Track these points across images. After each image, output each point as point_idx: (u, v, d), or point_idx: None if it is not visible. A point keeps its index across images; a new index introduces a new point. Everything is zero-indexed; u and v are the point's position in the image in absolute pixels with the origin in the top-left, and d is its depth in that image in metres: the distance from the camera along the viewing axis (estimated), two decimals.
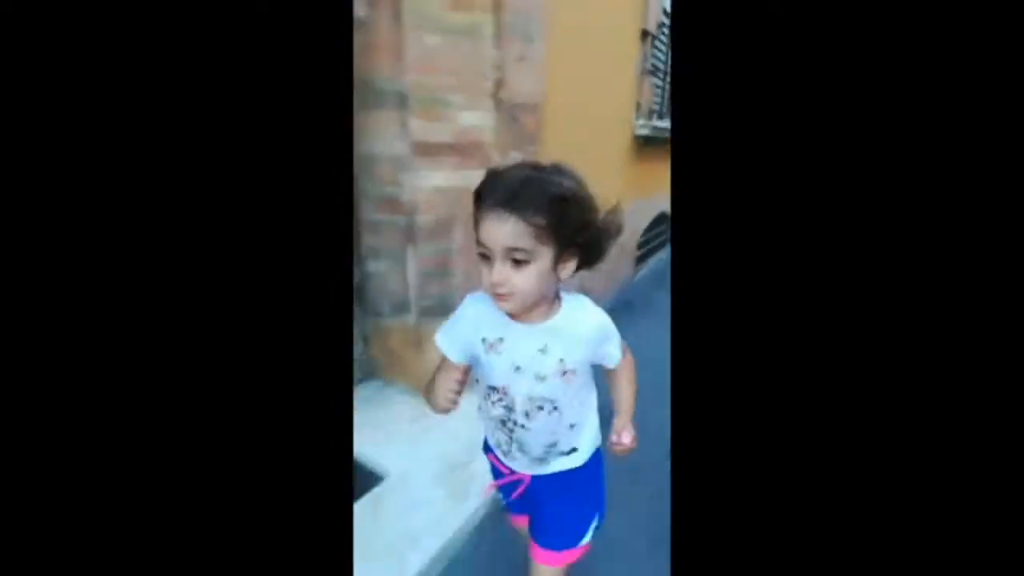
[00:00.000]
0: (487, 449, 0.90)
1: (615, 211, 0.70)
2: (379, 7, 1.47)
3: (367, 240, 1.78)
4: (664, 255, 4.15)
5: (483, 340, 0.72)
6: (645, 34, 2.84)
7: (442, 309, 1.76)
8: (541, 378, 0.71)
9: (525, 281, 0.62)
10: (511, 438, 0.78)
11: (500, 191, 0.60)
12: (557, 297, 0.72)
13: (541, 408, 0.73)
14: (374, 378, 1.99)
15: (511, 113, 1.72)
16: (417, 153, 1.59)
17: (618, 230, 0.70)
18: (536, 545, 0.86)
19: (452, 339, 0.75)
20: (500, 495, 0.94)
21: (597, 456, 0.86)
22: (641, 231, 3.56)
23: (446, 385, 0.75)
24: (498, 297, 0.65)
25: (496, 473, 0.90)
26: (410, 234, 1.69)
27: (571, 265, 0.67)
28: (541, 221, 0.59)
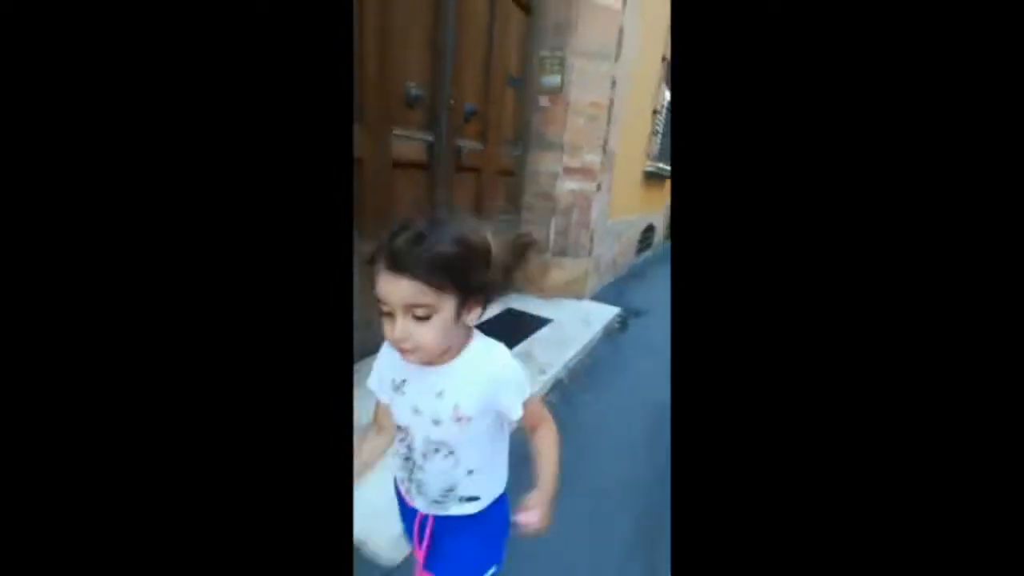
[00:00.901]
0: (396, 486, 0.86)
1: (521, 242, 0.71)
2: (556, 102, 3.19)
3: (526, 215, 3.45)
4: (650, 251, 6.06)
5: (392, 380, 0.75)
6: (655, 111, 4.71)
7: (564, 252, 3.46)
8: (436, 422, 0.71)
9: (428, 335, 0.62)
10: (411, 477, 0.78)
11: (393, 252, 0.59)
12: (469, 337, 0.71)
13: (437, 451, 0.73)
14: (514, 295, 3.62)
15: (608, 157, 3.48)
16: (563, 172, 3.30)
17: (522, 257, 0.71)
18: (426, 572, 0.83)
19: (378, 378, 0.78)
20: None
21: (501, 505, 0.82)
22: (640, 233, 5.39)
23: (377, 423, 0.81)
24: (402, 352, 0.65)
25: (404, 512, 0.87)
26: (553, 210, 3.38)
27: (476, 311, 0.66)
28: (437, 280, 0.59)
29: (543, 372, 2.28)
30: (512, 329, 2.77)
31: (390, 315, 0.63)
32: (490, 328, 2.34)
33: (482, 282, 0.65)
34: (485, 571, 0.83)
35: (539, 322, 2.95)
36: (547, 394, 2.19)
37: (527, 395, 0.72)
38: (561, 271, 3.49)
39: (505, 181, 3.19)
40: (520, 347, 2.54)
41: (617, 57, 3.13)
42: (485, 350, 0.72)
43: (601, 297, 3.78)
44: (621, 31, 3.10)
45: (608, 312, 3.38)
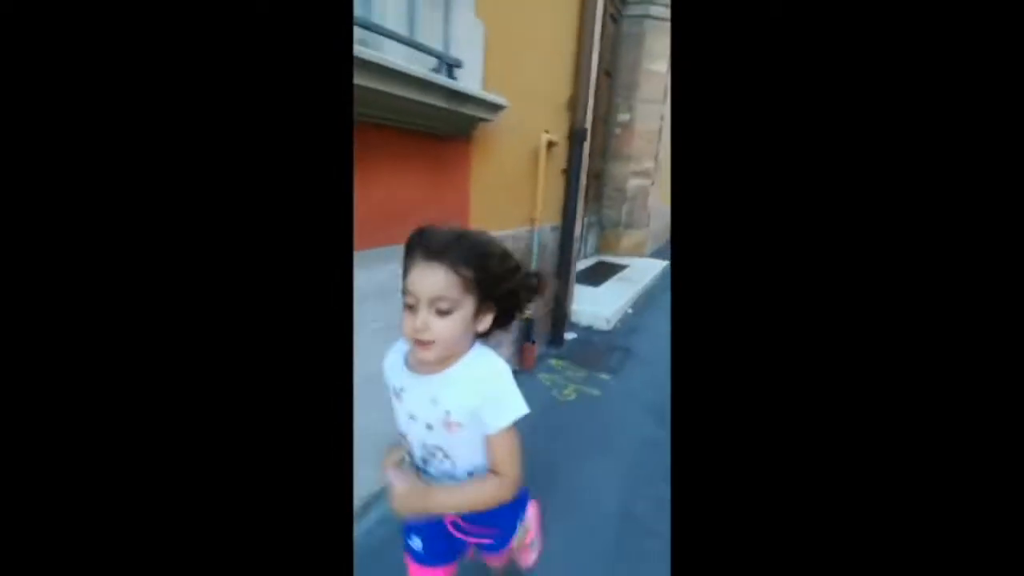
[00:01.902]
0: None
1: (535, 275, 0.75)
2: (626, 130, 5.08)
3: (607, 202, 5.37)
4: None
5: (392, 388, 0.77)
6: None
7: (631, 225, 5.38)
8: (429, 427, 0.73)
9: (447, 329, 0.65)
10: (419, 479, 0.79)
11: (433, 243, 0.64)
12: (471, 346, 0.73)
13: (434, 455, 0.76)
14: (594, 256, 5.56)
15: (659, 163, 5.35)
16: (630, 174, 5.20)
17: (535, 289, 0.74)
18: (484, 554, 0.94)
19: (388, 386, 0.79)
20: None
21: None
22: None
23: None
24: (419, 344, 0.67)
25: (416, 528, 0.88)
26: (624, 199, 5.30)
27: (488, 318, 0.70)
28: (468, 273, 0.63)
29: (623, 296, 4.16)
30: (604, 271, 4.70)
31: (412, 308, 0.66)
32: (586, 275, 4.38)
33: (502, 291, 0.68)
34: (513, 531, 0.88)
35: (619, 268, 4.89)
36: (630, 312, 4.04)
37: (511, 420, 0.70)
38: (630, 238, 5.41)
39: (594, 180, 5.11)
40: (608, 282, 4.44)
41: (664, 101, 4.98)
42: (477, 359, 0.72)
43: (655, 255, 5.69)
44: (666, 86, 4.94)
45: (659, 264, 5.27)
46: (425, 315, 0.65)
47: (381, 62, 1.03)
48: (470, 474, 0.77)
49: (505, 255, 0.70)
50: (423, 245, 0.65)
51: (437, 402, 0.72)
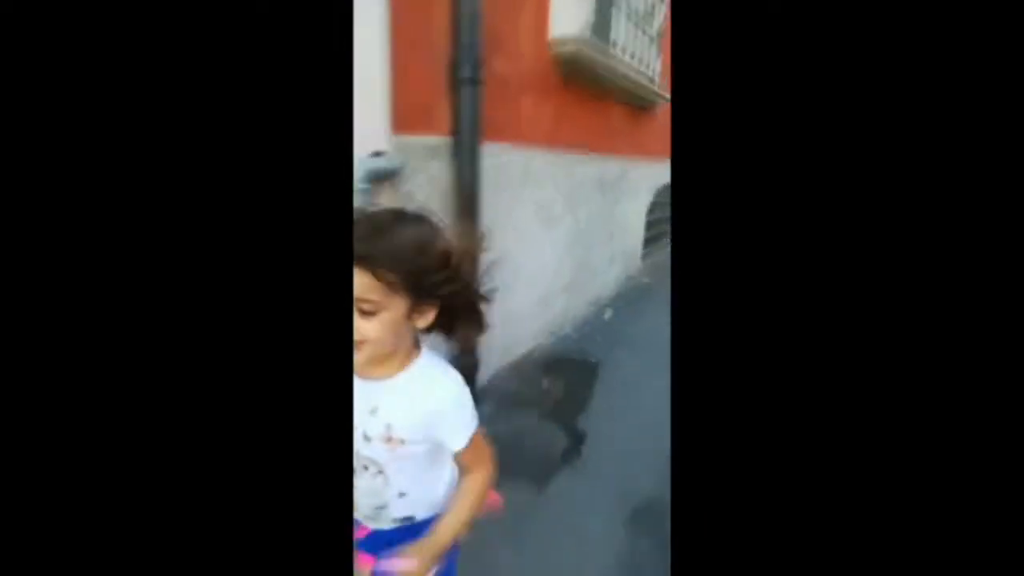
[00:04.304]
0: None
1: (484, 290, 0.65)
2: None
3: None
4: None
5: None
6: None
7: None
8: (367, 438, 0.66)
9: (373, 331, 0.59)
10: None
11: (356, 240, 0.55)
12: (416, 350, 0.67)
13: (366, 468, 0.68)
14: None
15: None
16: None
17: (477, 308, 0.66)
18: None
19: None
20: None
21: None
22: None
23: None
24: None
25: None
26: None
27: (429, 315, 0.62)
28: (391, 276, 0.57)
29: None
30: None
31: None
32: None
33: (436, 286, 0.60)
34: None
35: None
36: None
37: (472, 429, 0.67)
38: None
39: None
40: None
41: None
42: (432, 373, 0.66)
43: None
44: None
45: None
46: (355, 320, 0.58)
47: (630, 72, 2.70)
48: (401, 495, 0.70)
49: (444, 255, 0.60)
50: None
51: (376, 413, 0.65)
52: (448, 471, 0.75)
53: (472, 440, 0.67)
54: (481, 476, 0.70)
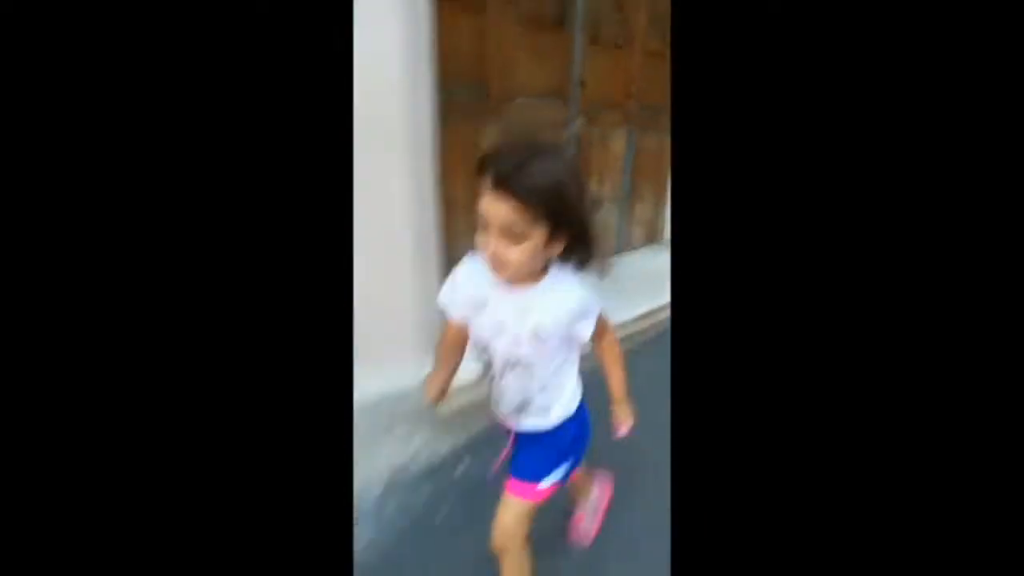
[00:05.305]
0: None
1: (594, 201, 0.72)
2: None
3: None
4: None
5: (473, 298, 0.79)
6: None
7: None
8: (517, 340, 0.76)
9: (518, 255, 0.66)
10: (491, 389, 0.86)
11: (503, 168, 0.62)
12: (546, 268, 0.75)
13: (514, 368, 0.80)
14: None
15: None
16: None
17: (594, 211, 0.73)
18: (509, 478, 0.90)
19: (451, 297, 0.83)
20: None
21: (574, 418, 0.89)
22: None
23: (445, 346, 0.89)
24: (493, 267, 0.70)
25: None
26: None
27: (559, 246, 0.70)
28: (537, 204, 0.62)
29: None
30: None
31: (485, 229, 0.67)
32: None
33: (573, 218, 0.67)
34: (552, 470, 0.88)
35: None
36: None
37: (595, 319, 0.78)
38: None
39: None
40: None
41: None
42: (562, 279, 0.76)
43: None
44: None
45: None
46: (497, 241, 0.66)
47: None
48: (542, 388, 0.82)
49: (579, 184, 0.68)
50: (494, 168, 0.64)
51: (526, 316, 0.74)
52: (574, 377, 0.88)
53: (600, 323, 0.80)
54: (612, 336, 0.87)
